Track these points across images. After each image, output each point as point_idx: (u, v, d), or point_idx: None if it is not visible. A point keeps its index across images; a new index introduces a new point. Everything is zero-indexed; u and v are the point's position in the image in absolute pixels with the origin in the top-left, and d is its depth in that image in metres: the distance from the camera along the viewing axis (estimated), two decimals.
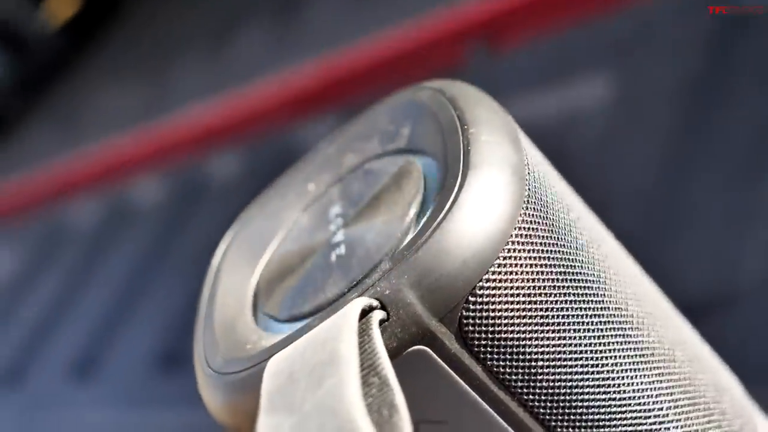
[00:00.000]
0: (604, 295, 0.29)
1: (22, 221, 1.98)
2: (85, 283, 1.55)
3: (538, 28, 1.06)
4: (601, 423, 0.28)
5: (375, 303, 0.26)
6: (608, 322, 0.29)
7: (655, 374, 0.30)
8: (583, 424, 0.28)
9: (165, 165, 1.65)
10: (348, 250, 0.29)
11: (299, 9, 1.58)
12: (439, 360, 0.26)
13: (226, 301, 0.32)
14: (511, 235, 0.26)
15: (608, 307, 0.29)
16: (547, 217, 0.28)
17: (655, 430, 0.29)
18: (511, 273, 0.26)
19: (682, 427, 0.30)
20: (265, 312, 0.31)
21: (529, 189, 0.27)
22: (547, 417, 0.28)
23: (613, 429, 0.29)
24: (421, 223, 0.27)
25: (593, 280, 0.29)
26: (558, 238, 0.28)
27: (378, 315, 0.25)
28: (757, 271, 0.68)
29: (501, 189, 0.27)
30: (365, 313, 0.25)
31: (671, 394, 0.30)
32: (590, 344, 0.28)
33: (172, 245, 1.38)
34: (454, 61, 1.16)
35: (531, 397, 0.27)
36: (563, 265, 0.28)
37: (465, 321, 0.26)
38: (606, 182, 0.86)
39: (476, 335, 0.26)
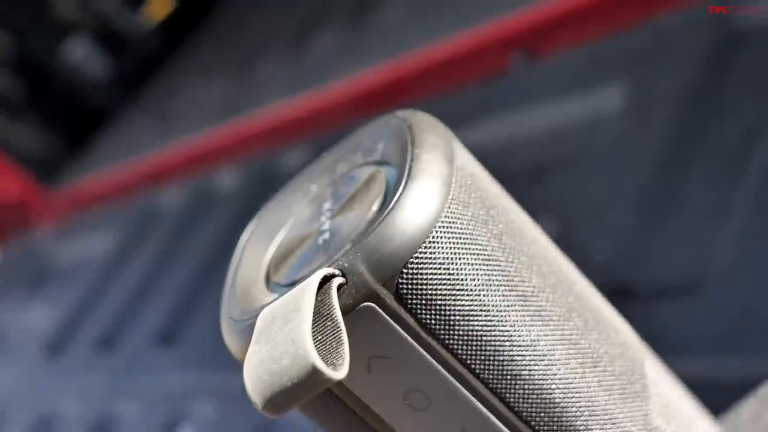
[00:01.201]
0: (511, 270, 0.36)
1: (119, 206, 2.06)
2: (170, 261, 1.65)
3: (571, 40, 1.14)
4: (505, 363, 0.35)
5: (336, 272, 0.33)
6: (512, 289, 0.35)
7: (549, 329, 0.36)
8: (492, 363, 0.35)
9: (245, 156, 1.74)
10: (330, 236, 0.36)
11: (367, 18, 1.67)
12: (383, 313, 0.33)
13: (247, 272, 0.39)
14: (435, 227, 0.33)
15: (513, 279, 0.35)
16: (466, 214, 0.35)
17: (548, 369, 0.36)
18: (433, 252, 0.33)
19: (572, 368, 0.37)
20: (273, 281, 0.38)
21: (452, 194, 0.34)
22: (464, 357, 0.34)
23: (515, 367, 0.35)
24: (375, 217, 0.35)
25: (502, 260, 0.35)
26: (474, 228, 0.35)
27: (338, 281, 0.32)
28: (724, 260, 0.75)
29: (430, 194, 0.34)
30: (328, 279, 0.32)
31: (563, 343, 0.37)
32: (496, 305, 0.35)
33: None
34: (500, 66, 1.24)
35: (451, 341, 0.34)
36: (477, 248, 0.35)
37: (401, 285, 0.33)
38: (614, 179, 0.95)
39: (409, 295, 0.33)
